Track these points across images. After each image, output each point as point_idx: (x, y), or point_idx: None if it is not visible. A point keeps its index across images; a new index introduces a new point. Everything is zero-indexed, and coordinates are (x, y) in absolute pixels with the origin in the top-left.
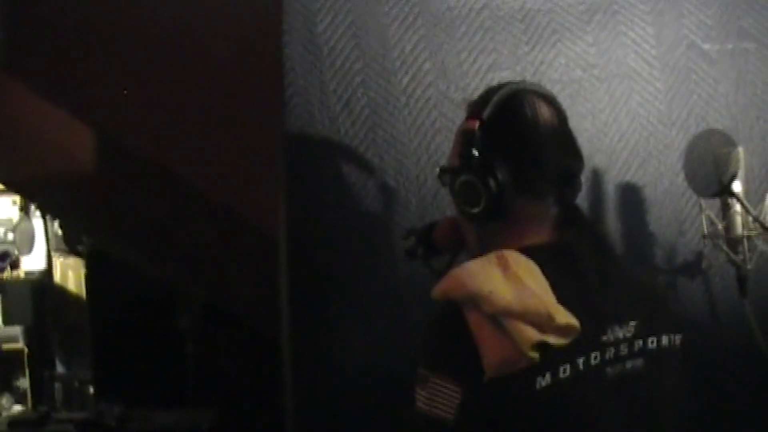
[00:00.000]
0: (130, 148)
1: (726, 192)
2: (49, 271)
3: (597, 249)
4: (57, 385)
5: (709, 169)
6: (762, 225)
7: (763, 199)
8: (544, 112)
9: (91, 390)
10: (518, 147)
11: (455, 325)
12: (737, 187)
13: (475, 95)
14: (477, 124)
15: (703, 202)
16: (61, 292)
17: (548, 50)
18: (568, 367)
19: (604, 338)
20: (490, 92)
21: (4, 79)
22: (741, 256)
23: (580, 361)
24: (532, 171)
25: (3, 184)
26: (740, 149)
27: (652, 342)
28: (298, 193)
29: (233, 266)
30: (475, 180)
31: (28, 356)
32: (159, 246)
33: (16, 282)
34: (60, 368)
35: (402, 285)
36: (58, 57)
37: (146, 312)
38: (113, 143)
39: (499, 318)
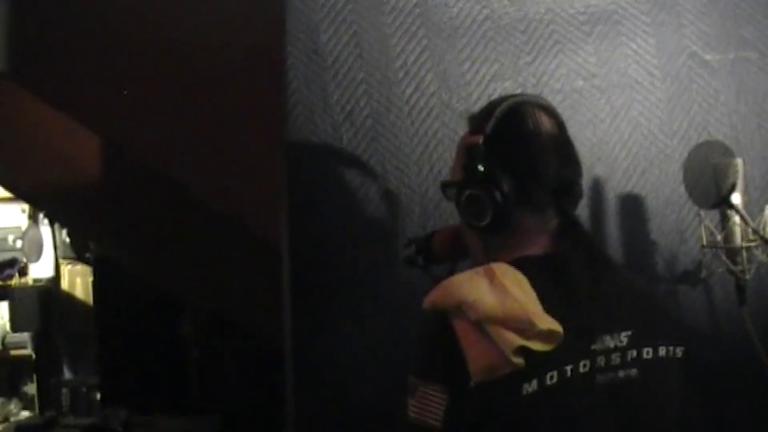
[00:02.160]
0: (136, 157)
1: (725, 203)
2: (56, 278)
3: (591, 259)
4: (64, 391)
5: (708, 180)
6: (760, 236)
7: (763, 210)
8: (545, 123)
9: (98, 396)
10: (520, 159)
11: (442, 333)
12: (736, 198)
13: (477, 107)
14: (481, 138)
15: (702, 212)
16: (69, 299)
17: (550, 60)
18: (555, 373)
19: (594, 347)
20: (491, 106)
21: (12, 87)
22: (740, 267)
23: (568, 368)
24: (533, 183)
25: (11, 192)
26: (739, 160)
27: (647, 353)
28: (300, 201)
29: (236, 274)
30: (481, 193)
31: (35, 362)
32: (163, 254)
33: (25, 289)
34: (67, 374)
35: (403, 294)
36: (65, 66)
37: (152, 319)
38: (119, 152)
39: (483, 324)
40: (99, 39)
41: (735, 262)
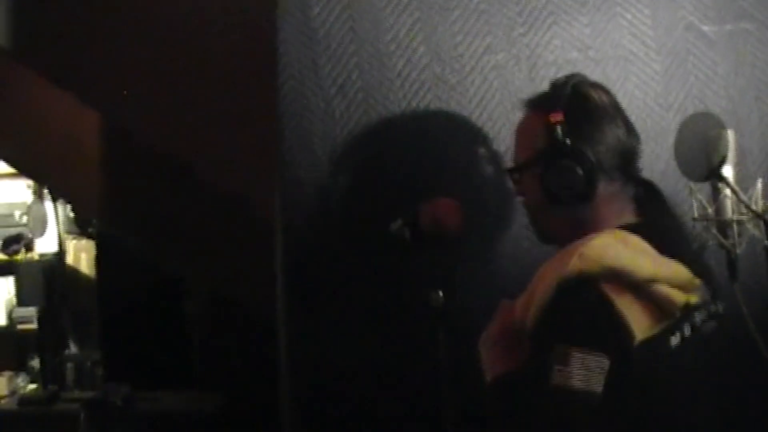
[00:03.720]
0: (138, 136)
1: (715, 176)
2: (61, 253)
3: (676, 221)
4: (69, 365)
5: (698, 153)
6: (751, 209)
7: (755, 183)
8: (606, 97)
9: (101, 370)
10: (595, 132)
11: (596, 300)
12: (727, 170)
13: (469, 79)
14: (562, 115)
15: (693, 185)
16: (74, 274)
17: (543, 32)
18: (688, 325)
19: (702, 300)
20: (557, 87)
21: (17, 67)
22: (731, 240)
23: (695, 319)
24: (609, 153)
25: (14, 167)
26: (731, 132)
27: (720, 307)
28: (292, 176)
29: (238, 253)
30: (572, 164)
31: (40, 337)
32: (165, 231)
33: (30, 264)
34: (72, 349)
35: (397, 270)
36: (68, 47)
37: (154, 295)
38: (122, 131)
39: (644, 286)
40: (103, 20)
41: (726, 236)
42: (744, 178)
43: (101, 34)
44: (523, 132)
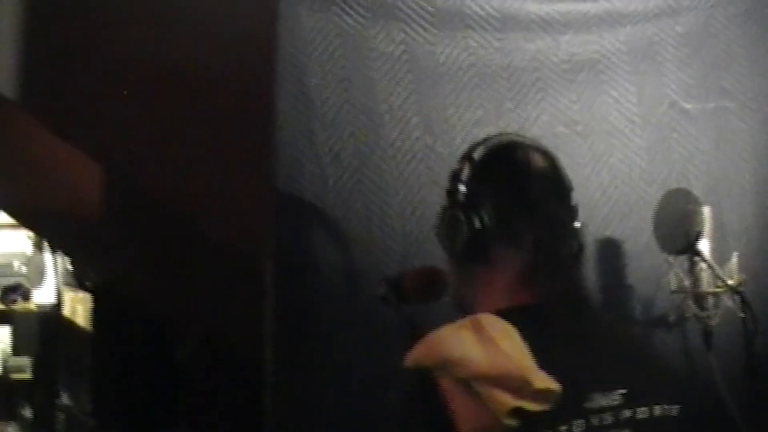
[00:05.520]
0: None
1: (691, 250)
2: (58, 304)
3: (583, 311)
4: (60, 416)
5: (676, 227)
6: (726, 283)
7: (731, 257)
8: (537, 160)
9: (92, 421)
10: (506, 190)
11: (427, 393)
12: (704, 244)
13: (460, 151)
14: (465, 163)
15: (672, 258)
16: (69, 325)
17: (533, 107)
18: None
19: (587, 405)
20: (485, 139)
21: (18, 114)
22: (706, 312)
23: (563, 429)
24: (518, 217)
25: (14, 218)
26: (707, 208)
27: (643, 413)
28: (286, 239)
29: (227, 297)
30: (459, 215)
31: (33, 386)
32: (158, 279)
33: (27, 314)
34: (65, 399)
35: (383, 329)
36: (70, 96)
37: (149, 346)
38: (119, 181)
39: (472, 383)
40: (105, 71)
41: (702, 308)
42: (722, 252)
43: (103, 85)
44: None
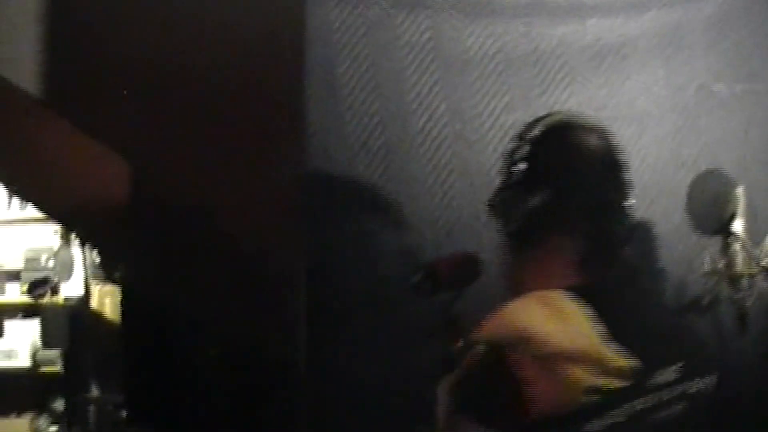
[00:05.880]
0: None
1: (725, 231)
2: (86, 297)
3: (636, 290)
4: (91, 408)
5: (710, 209)
6: (761, 264)
7: (765, 238)
8: (592, 140)
9: (123, 414)
10: (560, 171)
11: (496, 370)
12: (738, 226)
13: (488, 137)
14: (520, 143)
15: (705, 240)
16: (98, 317)
17: (560, 92)
18: (618, 412)
19: (650, 382)
20: (540, 119)
21: (46, 113)
22: (741, 294)
23: (631, 406)
24: (574, 196)
25: (43, 212)
26: (740, 189)
27: (694, 386)
28: (316, 230)
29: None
30: (517, 195)
31: (63, 379)
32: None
33: (55, 307)
34: (95, 391)
35: (415, 320)
36: (98, 95)
37: (177, 338)
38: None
39: (548, 360)
40: (133, 69)
41: (737, 289)
42: (753, 234)
43: (128, 84)
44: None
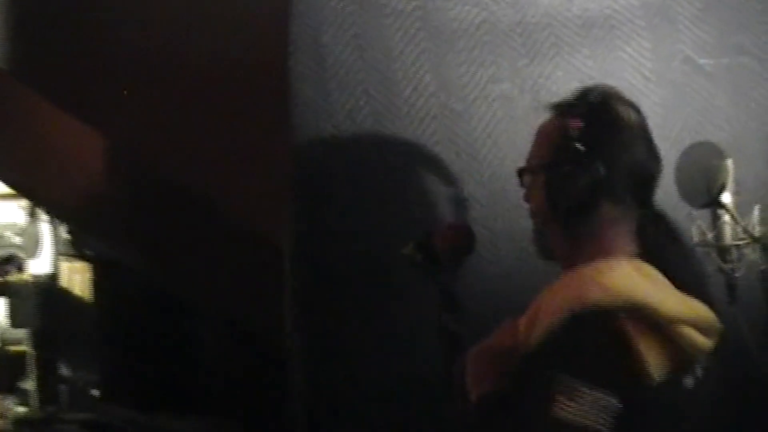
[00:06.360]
0: (137, 157)
1: (715, 203)
2: (55, 274)
3: (688, 254)
4: (62, 387)
5: (699, 181)
6: (750, 234)
7: (753, 210)
8: (633, 114)
9: (95, 392)
10: (612, 147)
11: (613, 335)
12: (726, 198)
13: (473, 108)
14: (579, 121)
15: (694, 212)
16: (66, 295)
17: (546, 63)
18: (700, 367)
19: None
20: (585, 93)
21: (17, 88)
22: (730, 265)
23: (706, 362)
24: (622, 172)
25: (11, 187)
26: (730, 161)
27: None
28: (303, 199)
29: (240, 275)
30: (578, 172)
31: (33, 358)
32: (165, 253)
33: (23, 285)
34: (65, 370)
35: (409, 296)
36: (71, 67)
37: (151, 316)
38: (120, 151)
39: (667, 326)
40: (105, 42)
41: (725, 260)
42: (741, 206)
43: (104, 57)
44: (541, 134)
